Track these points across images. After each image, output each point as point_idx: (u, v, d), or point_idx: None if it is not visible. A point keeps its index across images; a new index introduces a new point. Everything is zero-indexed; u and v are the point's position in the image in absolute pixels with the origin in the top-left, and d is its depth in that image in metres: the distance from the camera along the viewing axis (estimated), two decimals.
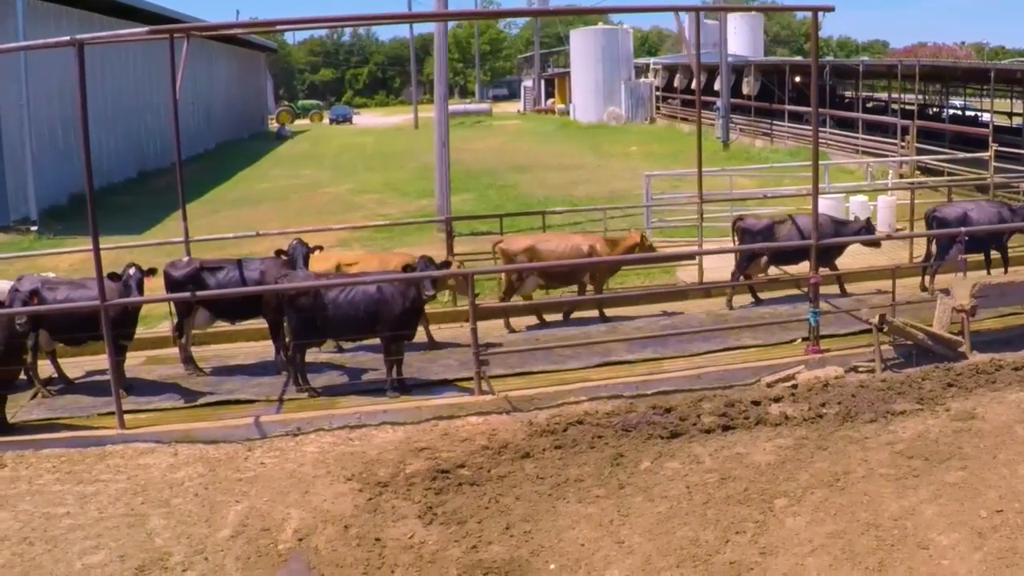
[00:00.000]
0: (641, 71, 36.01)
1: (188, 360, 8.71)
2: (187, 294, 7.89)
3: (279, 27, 13.56)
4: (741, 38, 33.79)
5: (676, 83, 31.84)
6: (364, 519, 5.57)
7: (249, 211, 18.50)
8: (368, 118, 51.06)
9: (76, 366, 8.92)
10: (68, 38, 6.92)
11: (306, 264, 8.34)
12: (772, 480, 5.69)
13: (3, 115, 16.76)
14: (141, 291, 8.10)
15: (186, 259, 8.82)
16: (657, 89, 34.15)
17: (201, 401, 7.95)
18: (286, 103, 51.63)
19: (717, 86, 24.52)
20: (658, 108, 33.98)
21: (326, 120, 48.80)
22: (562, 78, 41.46)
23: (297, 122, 47.20)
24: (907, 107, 21.24)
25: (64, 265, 12.77)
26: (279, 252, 8.45)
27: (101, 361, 9.19)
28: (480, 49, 56.38)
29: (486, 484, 5.85)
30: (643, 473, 5.87)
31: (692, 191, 13.59)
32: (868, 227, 9.63)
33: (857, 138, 19.55)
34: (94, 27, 20.92)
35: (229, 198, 20.53)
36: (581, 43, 34.99)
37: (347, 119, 47.30)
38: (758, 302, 9.60)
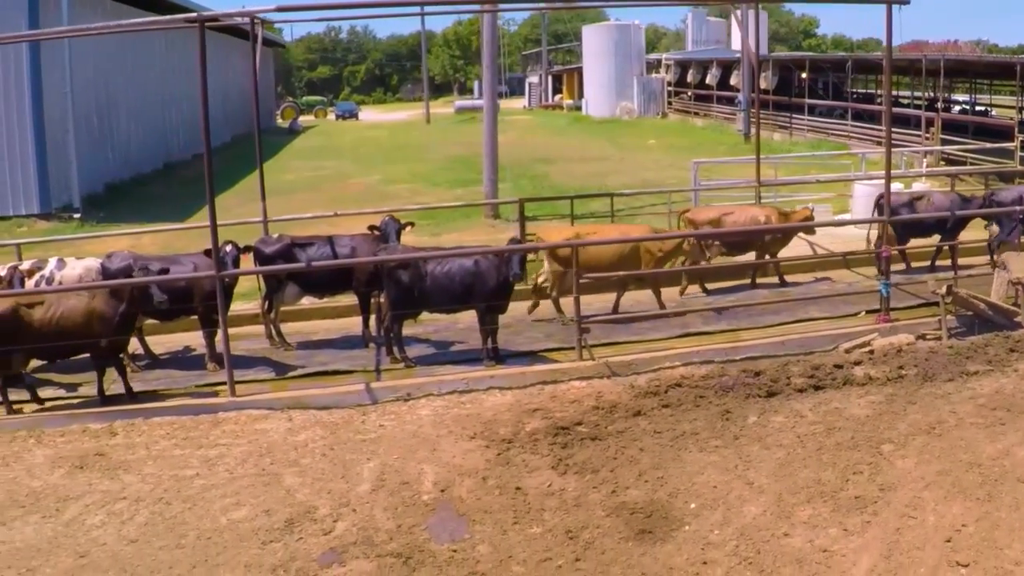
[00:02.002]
0: (652, 66, 36.57)
1: (277, 334, 9.04)
2: (301, 264, 8.22)
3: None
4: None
5: (689, 78, 32.39)
6: (499, 471, 5.94)
7: (284, 200, 18.69)
8: (370, 114, 51.29)
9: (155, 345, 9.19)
10: (195, 15, 7.20)
11: (398, 239, 8.69)
12: (874, 429, 6.13)
13: (46, 103, 16.90)
14: (237, 267, 8.46)
15: (276, 236, 9.15)
16: (669, 84, 34.70)
17: (297, 372, 8.30)
18: (290, 99, 51.77)
19: (733, 80, 25.04)
20: (670, 103, 34.55)
21: (331, 116, 49.02)
22: (570, 74, 41.96)
23: (301, 118, 47.40)
24: (917, 101, 21.90)
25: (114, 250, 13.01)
26: (371, 227, 8.79)
27: (175, 340, 9.52)
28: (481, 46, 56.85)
29: (607, 439, 6.24)
30: (752, 426, 6.29)
31: (723, 179, 14.11)
32: (989, 203, 10.28)
33: (880, 130, 20.12)
34: (123, 16, 21.24)
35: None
36: (594, 39, 35.53)
37: (353, 115, 47.60)
38: (910, 270, 10.21)
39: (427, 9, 11.82)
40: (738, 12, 14.48)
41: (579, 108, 38.25)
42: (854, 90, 26.42)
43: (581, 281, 7.84)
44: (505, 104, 49.44)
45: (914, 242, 10.43)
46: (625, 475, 5.73)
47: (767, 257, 9.98)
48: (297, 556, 5.25)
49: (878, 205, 10.25)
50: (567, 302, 8.54)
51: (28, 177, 16.96)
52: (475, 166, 22.13)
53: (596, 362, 7.46)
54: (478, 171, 20.91)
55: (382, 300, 8.35)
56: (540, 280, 9.12)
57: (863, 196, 11.83)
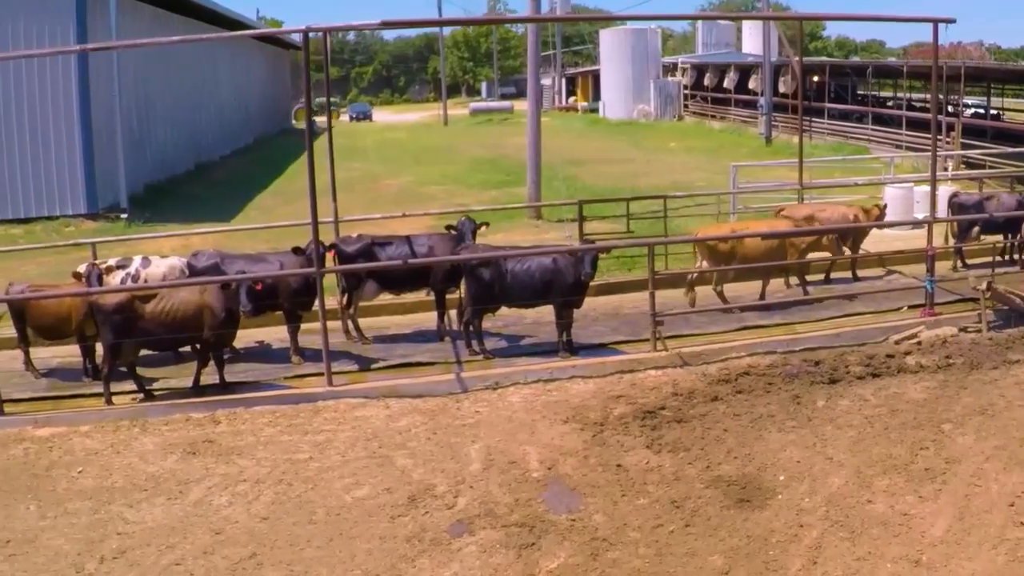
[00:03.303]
0: (668, 70, 37.32)
1: (356, 329, 9.56)
2: (398, 263, 8.77)
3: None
4: (755, 38, 35.09)
5: (706, 82, 33.09)
6: (597, 451, 6.54)
7: (323, 200, 19.18)
8: (382, 115, 51.59)
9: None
10: (305, 27, 7.75)
11: (473, 238, 9.23)
12: (933, 411, 6.79)
13: (93, 104, 17.37)
14: (323, 264, 8.97)
15: (355, 235, 9.69)
16: (685, 87, 35.43)
17: (382, 364, 8.75)
18: (302, 101, 52.15)
19: (752, 84, 25.67)
20: (686, 106, 35.26)
21: (344, 117, 49.46)
22: (584, 76, 42.68)
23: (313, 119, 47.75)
24: (924, 104, 22.57)
25: (166, 249, 12.72)
26: (449, 227, 9.35)
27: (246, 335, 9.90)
28: (490, 49, 57.43)
29: (692, 421, 6.87)
30: (822, 409, 6.93)
31: (755, 182, 14.73)
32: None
33: (900, 134, 20.87)
34: (164, 23, 21.85)
35: (295, 189, 21.11)
36: (611, 42, 36.26)
37: (367, 116, 48.04)
38: (966, 266, 10.89)
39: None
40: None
41: (594, 110, 38.96)
42: (869, 93, 27.05)
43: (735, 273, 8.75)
44: (517, 106, 50.11)
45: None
46: (715, 452, 6.35)
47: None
48: (427, 528, 5.78)
49: (951, 205, 10.97)
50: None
51: (75, 178, 17.42)
52: (502, 167, 22.73)
53: (669, 353, 8.09)
54: (507, 172, 21.56)
55: (462, 295, 8.93)
56: (694, 276, 9.83)
57: (894, 198, 12.48)
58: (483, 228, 9.36)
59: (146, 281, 9.35)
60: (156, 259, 9.75)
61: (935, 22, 8.11)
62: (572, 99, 44.56)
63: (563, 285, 8.42)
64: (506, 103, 46.04)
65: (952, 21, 8.00)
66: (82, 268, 9.33)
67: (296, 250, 9.04)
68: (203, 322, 8.04)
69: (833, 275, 10.77)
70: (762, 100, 24.60)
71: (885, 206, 10.89)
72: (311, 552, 5.65)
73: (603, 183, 18.49)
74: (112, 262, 9.59)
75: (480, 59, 62.61)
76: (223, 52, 29.06)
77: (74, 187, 17.51)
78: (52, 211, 17.48)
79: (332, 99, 60.34)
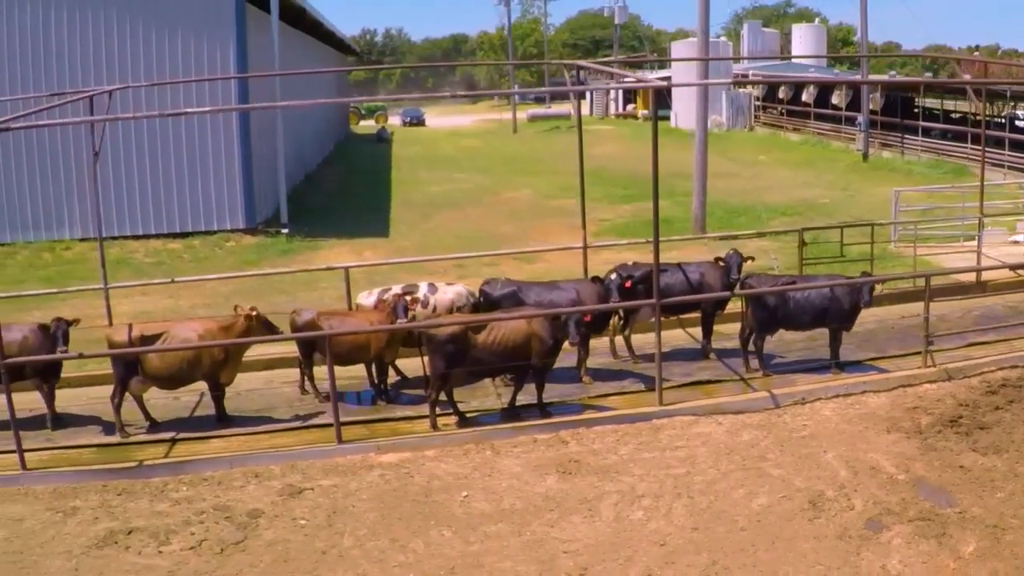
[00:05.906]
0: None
1: (629, 350, 10.57)
2: (719, 295, 10.11)
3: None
4: (805, 46, 36.78)
5: (781, 94, 34.68)
6: (932, 456, 7.73)
7: (460, 214, 20.03)
8: (429, 119, 50.80)
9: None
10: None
11: (739, 271, 10.30)
12: None
13: (252, 120, 18.24)
14: (619, 295, 9.98)
15: (631, 262, 10.62)
16: (756, 99, 36.97)
17: (670, 384, 9.45)
18: (352, 105, 52.68)
19: (835, 99, 27.30)
20: (757, 117, 36.79)
21: (393, 121, 49.81)
22: None
23: (362, 123, 48.07)
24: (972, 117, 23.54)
25: (356, 274, 12.39)
26: (717, 259, 10.61)
27: None
28: (527, 52, 58.21)
29: (993, 428, 8.27)
30: None
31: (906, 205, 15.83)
32: None
33: (1003, 155, 22.27)
34: (292, 39, 22.51)
35: (418, 201, 21.89)
36: (683, 53, 37.65)
37: (420, 121, 48.15)
38: None
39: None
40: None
41: (663, 118, 40.05)
42: (939, 108, 28.24)
43: None
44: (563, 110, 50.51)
45: None
46: None
47: None
48: (847, 527, 6.47)
49: None
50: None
51: (235, 193, 18.18)
52: (612, 180, 23.51)
53: (937, 368, 9.54)
54: (622, 186, 22.57)
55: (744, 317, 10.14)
56: None
57: None
58: (749, 261, 10.60)
59: (434, 308, 9.95)
60: (442, 285, 10.15)
61: None
62: (631, 107, 45.90)
63: (840, 311, 9.87)
64: (563, 109, 47.02)
65: None
66: (381, 294, 9.81)
67: (596, 279, 10.29)
68: (531, 350, 8.58)
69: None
70: (860, 118, 26.34)
71: None
72: (764, 555, 6.15)
73: (728, 199, 19.45)
74: (397, 289, 9.79)
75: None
76: (318, 64, 29.99)
77: (233, 202, 18.19)
78: (210, 226, 18.17)
79: (383, 104, 60.38)
